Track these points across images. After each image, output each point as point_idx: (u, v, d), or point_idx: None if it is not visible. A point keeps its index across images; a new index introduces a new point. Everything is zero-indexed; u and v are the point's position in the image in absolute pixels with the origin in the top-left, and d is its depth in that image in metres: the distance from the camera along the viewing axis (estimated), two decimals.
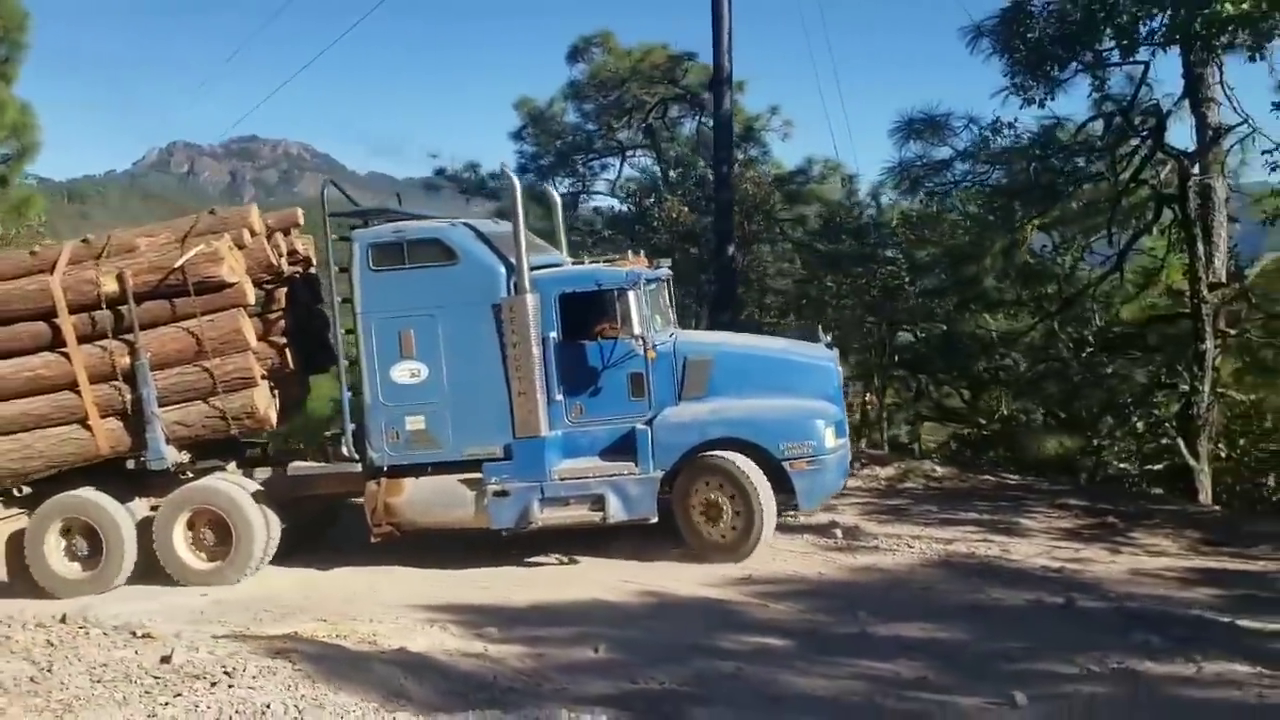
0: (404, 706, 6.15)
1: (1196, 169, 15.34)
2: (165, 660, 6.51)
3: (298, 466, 10.95)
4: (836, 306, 19.54)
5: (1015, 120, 15.22)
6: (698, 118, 24.35)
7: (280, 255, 10.84)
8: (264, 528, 10.41)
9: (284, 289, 10.91)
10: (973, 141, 14.91)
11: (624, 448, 10.29)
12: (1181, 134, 15.85)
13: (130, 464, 10.52)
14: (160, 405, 10.33)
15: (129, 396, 10.29)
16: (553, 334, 10.28)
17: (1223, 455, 16.59)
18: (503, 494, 10.25)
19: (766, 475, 10.04)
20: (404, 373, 10.34)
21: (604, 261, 11.28)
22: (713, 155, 18.58)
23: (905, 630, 7.99)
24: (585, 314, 10.52)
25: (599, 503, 10.20)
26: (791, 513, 10.70)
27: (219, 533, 10.40)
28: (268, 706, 5.62)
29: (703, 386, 10.32)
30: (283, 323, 10.81)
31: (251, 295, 10.44)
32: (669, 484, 10.22)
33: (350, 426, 10.49)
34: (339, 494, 11.22)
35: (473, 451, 10.35)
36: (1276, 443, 17.47)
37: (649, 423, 10.25)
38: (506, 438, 10.27)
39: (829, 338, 11.61)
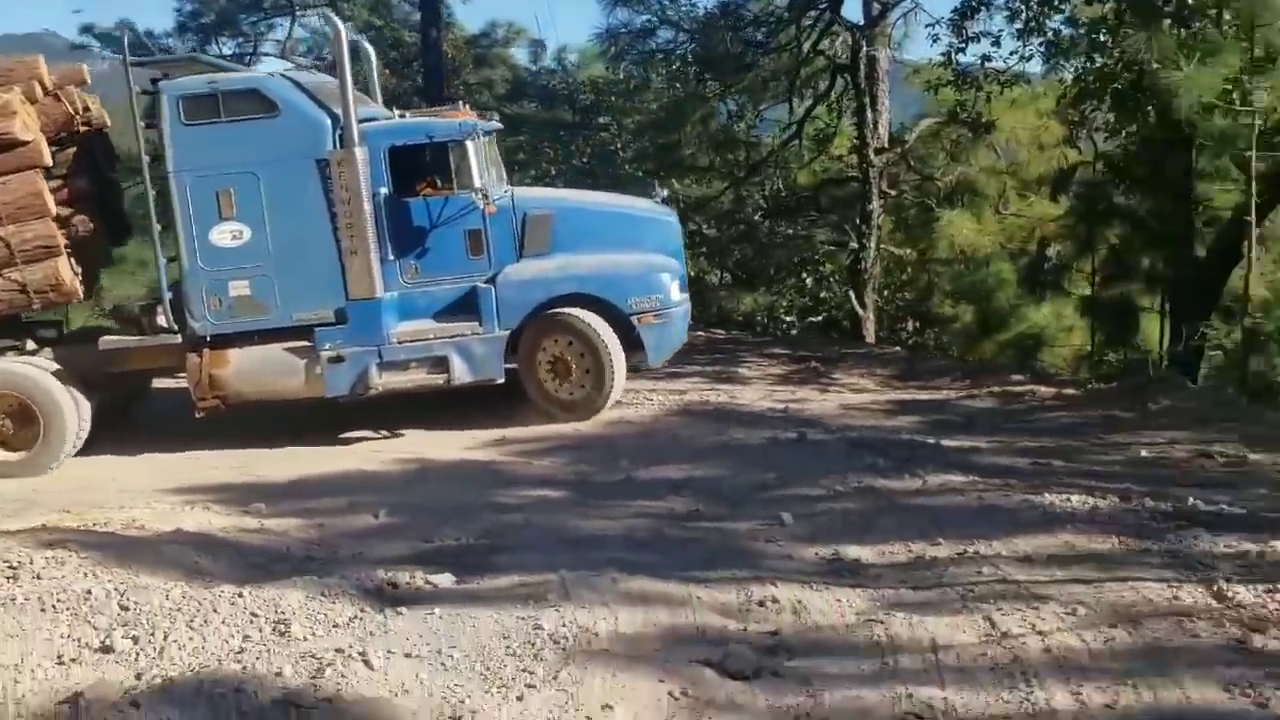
0: (214, 582, 6.03)
1: (866, 42, 16.79)
2: None
3: (109, 341, 9.95)
4: (551, 174, 19.68)
5: None
6: None
7: (76, 111, 9.69)
8: (74, 411, 9.53)
9: (77, 149, 9.82)
10: (673, 10, 15.43)
11: (465, 308, 9.97)
12: (856, 8, 17.27)
13: None
14: None
15: None
16: (383, 189, 9.74)
17: (881, 304, 18.69)
18: (338, 359, 9.79)
19: (613, 331, 10.01)
20: (224, 235, 9.60)
21: (431, 114, 10.76)
22: (420, 14, 17.86)
23: (667, 473, 8.51)
24: (415, 168, 9.97)
25: (442, 365, 9.91)
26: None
27: (20, 420, 9.45)
28: (89, 593, 5.35)
29: (544, 243, 10.05)
30: (81, 186, 9.73)
31: (48, 155, 9.34)
32: (513, 343, 10.01)
33: (168, 295, 9.62)
34: (154, 369, 10.42)
35: (303, 316, 9.81)
36: (912, 292, 19.88)
37: (490, 281, 9.93)
38: (339, 300, 9.76)
39: (664, 194, 11.62)
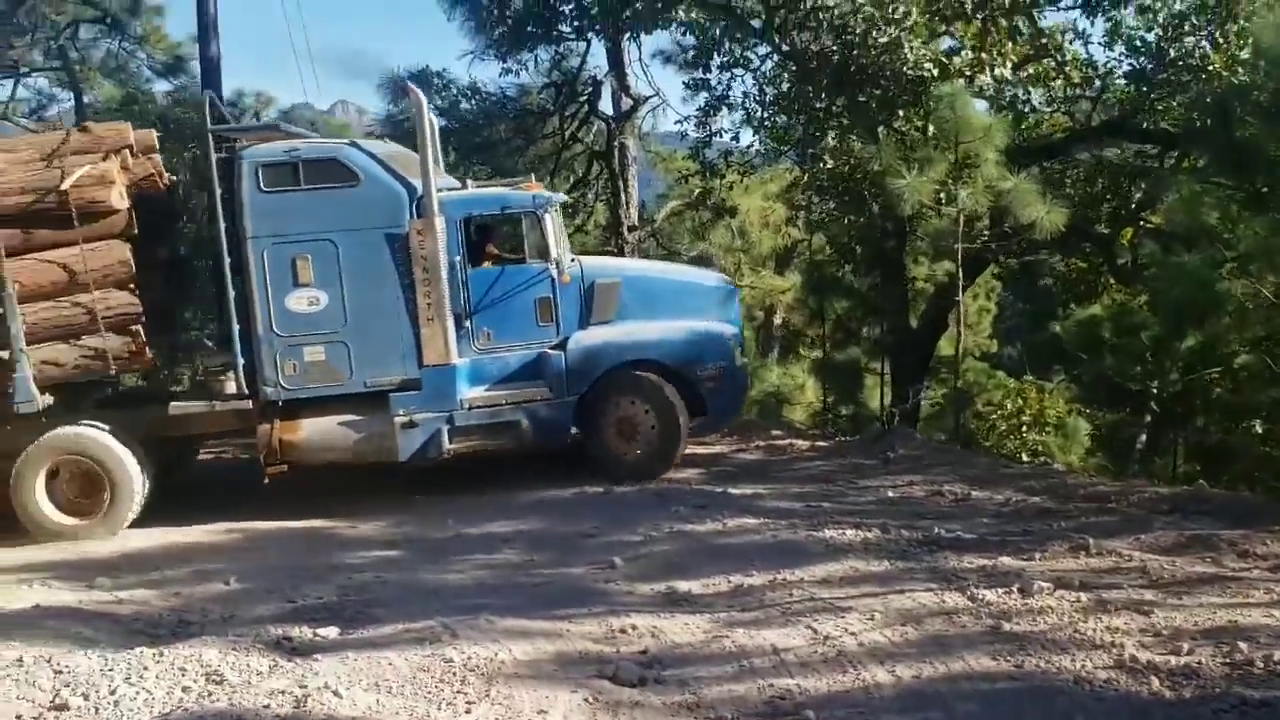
0: (114, 648, 6.38)
1: (619, 132, 18.49)
2: None
3: (180, 405, 9.85)
4: None
5: (481, 83, 17.19)
6: (119, 40, 23.08)
7: (159, 177, 9.70)
8: (140, 475, 9.43)
9: (153, 215, 9.80)
10: (449, 101, 16.47)
11: (534, 373, 10.24)
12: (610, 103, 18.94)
13: None
14: (29, 343, 9.22)
15: None
16: (458, 258, 9.92)
17: None
18: (411, 425, 9.92)
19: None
20: (300, 301, 9.67)
21: (502, 185, 10.99)
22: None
23: (493, 528, 9.36)
24: (487, 238, 10.21)
25: (512, 429, 10.17)
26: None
27: (88, 485, 9.40)
28: (19, 660, 5.75)
29: (611, 310, 10.37)
30: (157, 252, 9.75)
31: (135, 224, 9.25)
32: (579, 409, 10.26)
33: (240, 361, 9.58)
34: (219, 434, 10.49)
35: (377, 382, 9.97)
36: None
37: (559, 347, 10.23)
38: (413, 367, 9.99)
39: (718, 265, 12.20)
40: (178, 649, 6.17)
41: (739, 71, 15.40)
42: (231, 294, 9.87)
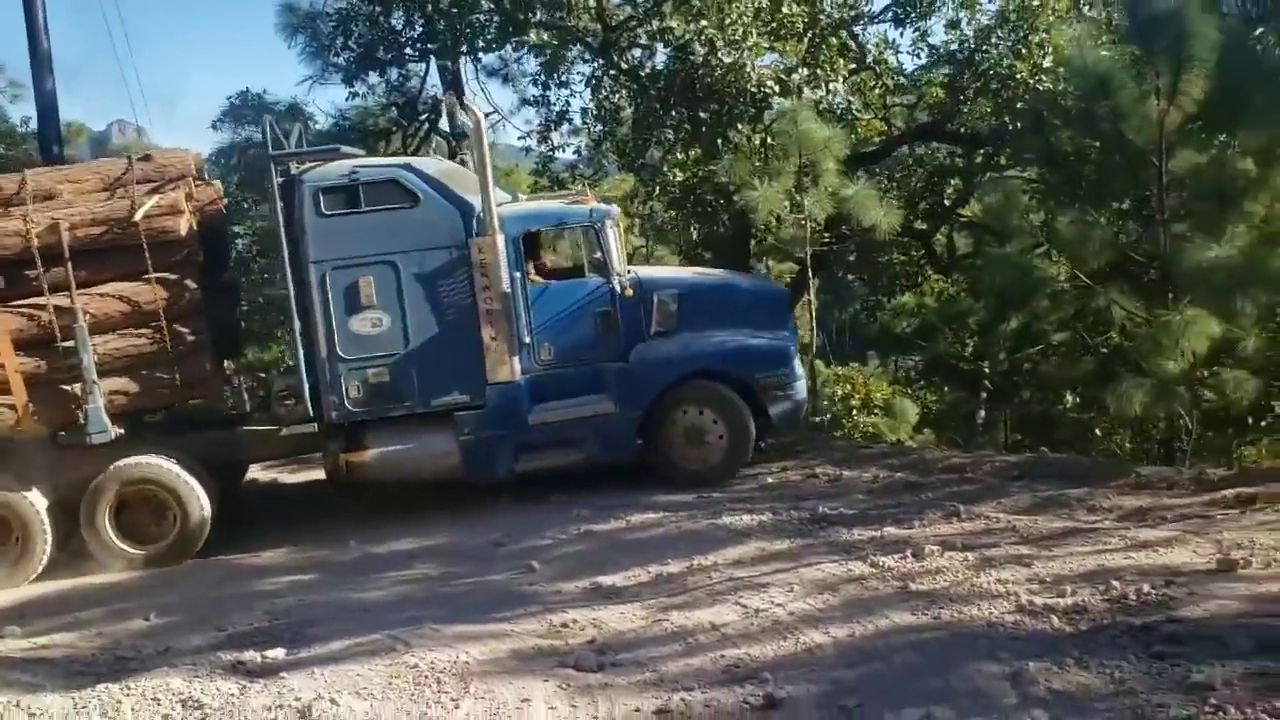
0: (48, 690, 6.42)
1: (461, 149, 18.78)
2: None
3: (248, 430, 9.92)
4: None
5: (316, 103, 17.23)
6: None
7: (218, 202, 9.80)
8: (206, 501, 9.50)
9: (212, 240, 9.91)
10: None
11: (598, 387, 10.20)
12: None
13: (61, 437, 9.60)
14: (99, 374, 9.31)
15: (60, 364, 9.37)
16: (518, 274, 9.81)
17: None
18: (476, 444, 9.80)
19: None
20: (363, 323, 9.64)
21: (556, 199, 11.01)
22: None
23: (397, 546, 9.57)
24: (545, 253, 10.17)
25: (577, 445, 10.15)
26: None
27: (156, 513, 9.50)
28: None
29: (671, 322, 10.32)
30: (220, 278, 9.99)
31: (201, 251, 9.31)
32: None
33: (305, 384, 9.56)
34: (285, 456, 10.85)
35: (441, 401, 9.94)
36: None
37: (622, 361, 10.18)
38: (477, 385, 9.96)
39: (768, 273, 12.11)
40: (142, 681, 6.29)
41: (578, 88, 16.06)
42: (296, 318, 9.90)
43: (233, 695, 6.01)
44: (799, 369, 10.95)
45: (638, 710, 5.48)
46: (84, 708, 5.85)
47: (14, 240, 9.39)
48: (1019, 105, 12.76)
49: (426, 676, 6.09)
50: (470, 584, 8.36)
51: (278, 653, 6.89)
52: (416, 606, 7.81)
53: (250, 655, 6.82)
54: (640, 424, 10.36)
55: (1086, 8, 14.63)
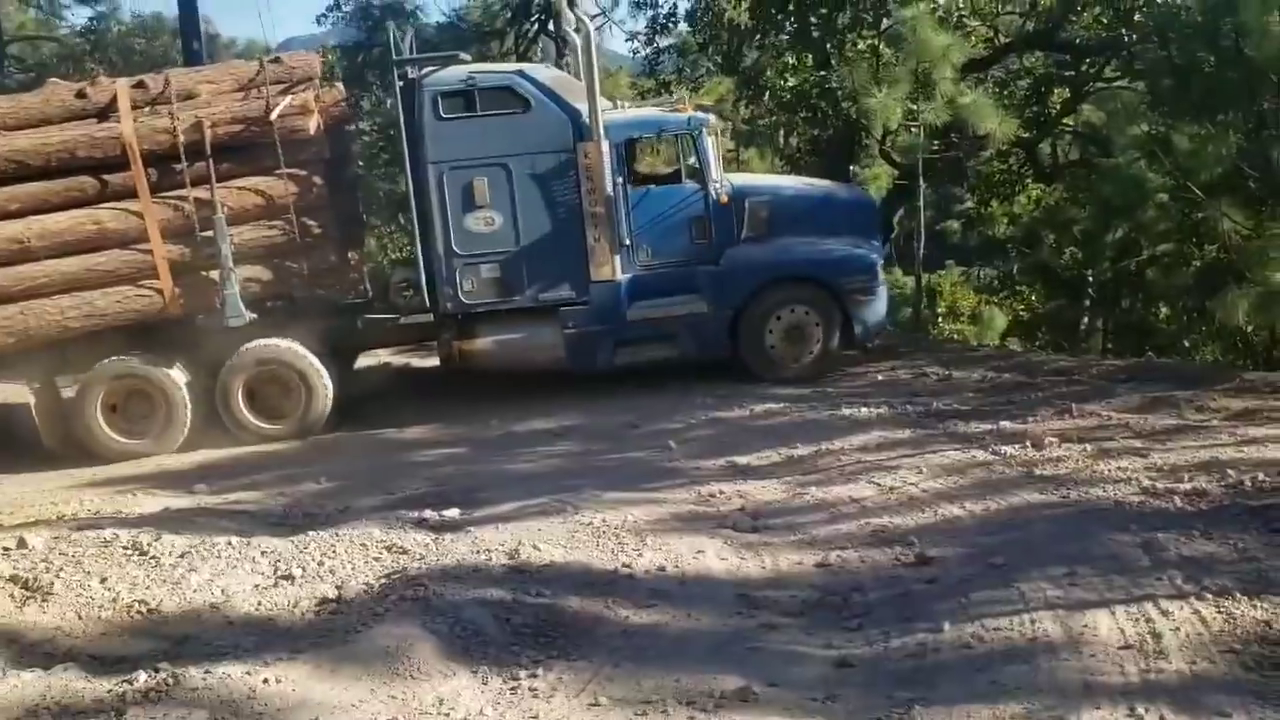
0: (252, 534, 7.11)
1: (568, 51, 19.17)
2: None
3: (370, 318, 10.89)
4: None
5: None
6: None
7: (343, 102, 10.75)
8: (330, 382, 10.44)
9: (336, 138, 10.76)
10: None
11: (693, 288, 10.78)
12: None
13: (200, 320, 10.43)
14: (235, 263, 10.09)
15: (202, 252, 10.15)
16: (620, 179, 10.50)
17: None
18: (579, 337, 10.64)
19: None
20: (477, 222, 10.40)
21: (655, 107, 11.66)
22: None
23: (536, 425, 10.23)
24: (645, 159, 10.83)
25: (672, 342, 10.81)
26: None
27: (283, 391, 10.53)
28: (230, 542, 6.63)
29: (762, 227, 10.80)
30: (344, 174, 10.87)
31: (328, 149, 10.20)
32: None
33: (423, 277, 10.44)
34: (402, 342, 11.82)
35: (548, 297, 10.70)
36: None
37: (715, 263, 10.76)
38: (581, 282, 10.68)
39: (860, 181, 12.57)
40: (344, 531, 7.06)
41: None
42: (415, 215, 10.68)
43: (429, 544, 6.75)
44: (881, 275, 11.38)
45: (800, 563, 6.18)
46: (305, 550, 6.61)
47: (164, 137, 10.18)
48: (1135, 18, 12.81)
49: (603, 532, 6.81)
50: (617, 459, 8.98)
51: (453, 512, 7.55)
52: (572, 477, 8.42)
53: (429, 514, 7.51)
54: (731, 322, 10.90)
55: None
